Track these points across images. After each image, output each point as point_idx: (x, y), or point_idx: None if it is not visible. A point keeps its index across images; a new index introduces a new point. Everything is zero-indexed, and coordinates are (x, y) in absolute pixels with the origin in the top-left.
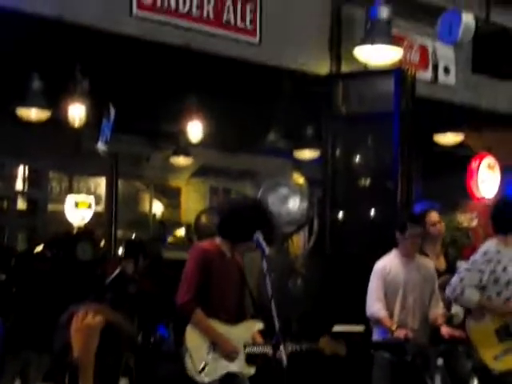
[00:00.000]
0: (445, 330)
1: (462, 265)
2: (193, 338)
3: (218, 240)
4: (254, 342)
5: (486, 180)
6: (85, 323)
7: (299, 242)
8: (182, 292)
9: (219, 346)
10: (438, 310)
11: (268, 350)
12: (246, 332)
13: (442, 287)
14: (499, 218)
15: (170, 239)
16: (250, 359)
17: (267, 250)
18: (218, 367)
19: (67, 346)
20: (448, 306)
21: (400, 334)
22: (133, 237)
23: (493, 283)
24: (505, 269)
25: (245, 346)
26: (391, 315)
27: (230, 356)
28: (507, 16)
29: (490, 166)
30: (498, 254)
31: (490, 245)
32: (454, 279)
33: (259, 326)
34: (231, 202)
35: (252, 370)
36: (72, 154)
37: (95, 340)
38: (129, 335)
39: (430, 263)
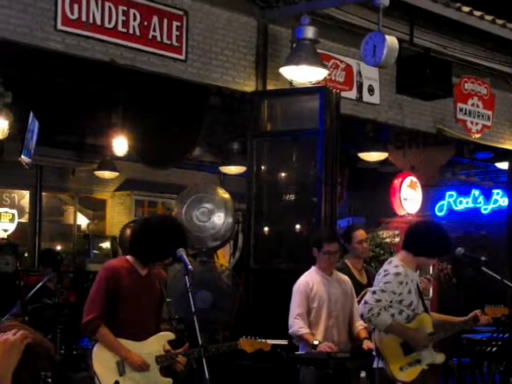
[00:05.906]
0: (366, 344)
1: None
2: (100, 358)
3: (129, 257)
4: (164, 352)
5: (408, 198)
6: (3, 340)
7: (224, 257)
8: (86, 311)
9: (127, 361)
10: (360, 324)
11: (180, 357)
12: (156, 345)
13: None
14: (416, 238)
15: (94, 252)
16: (165, 371)
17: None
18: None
19: None
20: None
21: (324, 348)
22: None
23: (397, 303)
24: (410, 291)
25: (157, 360)
26: (318, 329)
27: (141, 369)
28: (430, 37)
29: (411, 185)
30: (406, 277)
31: (398, 264)
32: (370, 298)
33: (169, 336)
34: (143, 221)
35: (169, 382)
36: None
37: (14, 358)
38: (47, 353)
39: (347, 278)
